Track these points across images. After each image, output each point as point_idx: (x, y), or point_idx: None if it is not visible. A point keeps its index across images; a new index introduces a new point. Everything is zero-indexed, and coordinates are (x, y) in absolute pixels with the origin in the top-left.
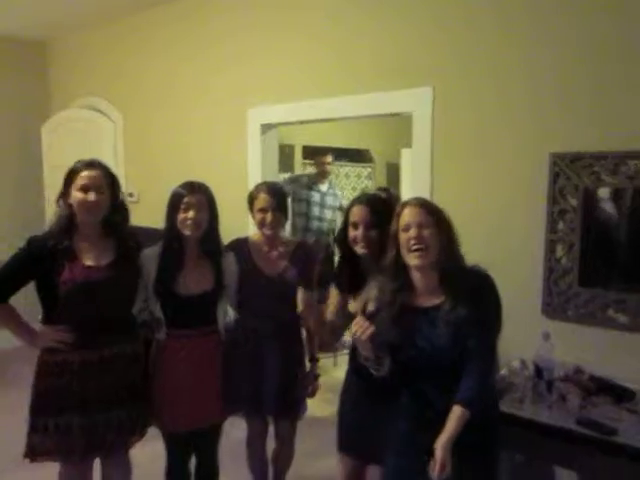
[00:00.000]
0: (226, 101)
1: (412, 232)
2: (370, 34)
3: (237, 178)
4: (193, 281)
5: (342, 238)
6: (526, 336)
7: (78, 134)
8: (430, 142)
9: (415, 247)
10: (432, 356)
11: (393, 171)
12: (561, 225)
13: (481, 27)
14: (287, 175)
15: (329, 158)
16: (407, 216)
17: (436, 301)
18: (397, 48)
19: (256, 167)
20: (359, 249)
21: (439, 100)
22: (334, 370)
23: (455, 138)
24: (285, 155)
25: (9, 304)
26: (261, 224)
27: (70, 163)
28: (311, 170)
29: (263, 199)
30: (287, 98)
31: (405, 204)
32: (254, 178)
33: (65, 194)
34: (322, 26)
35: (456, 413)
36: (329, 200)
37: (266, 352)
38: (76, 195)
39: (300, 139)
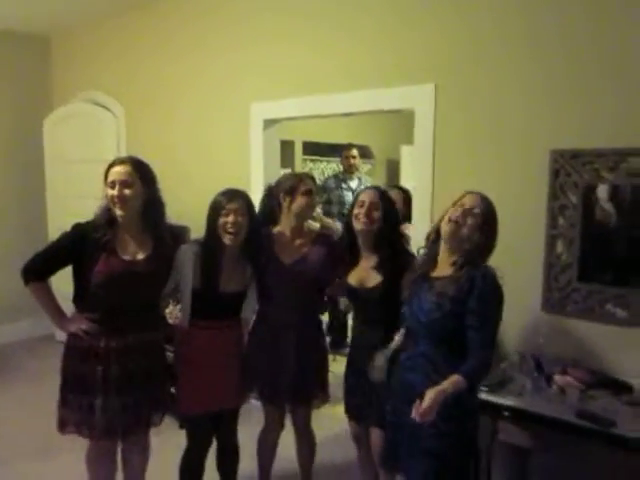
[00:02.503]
0: (229, 96)
1: (459, 211)
2: (372, 31)
3: (239, 173)
4: (230, 280)
5: (347, 218)
6: (526, 330)
7: (80, 128)
8: (432, 139)
9: (455, 218)
10: (416, 315)
11: (393, 167)
12: (561, 221)
13: (483, 25)
14: (288, 171)
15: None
16: (467, 198)
17: (442, 274)
18: (399, 45)
19: (258, 162)
20: (358, 224)
21: (441, 97)
22: (334, 366)
23: (457, 135)
24: (286, 151)
25: (47, 284)
26: (308, 206)
27: (72, 156)
28: (311, 166)
29: (309, 183)
30: (289, 93)
31: (471, 192)
32: (256, 173)
33: (105, 190)
34: (325, 23)
35: (454, 377)
36: None
37: (284, 340)
38: (106, 190)
39: (300, 135)
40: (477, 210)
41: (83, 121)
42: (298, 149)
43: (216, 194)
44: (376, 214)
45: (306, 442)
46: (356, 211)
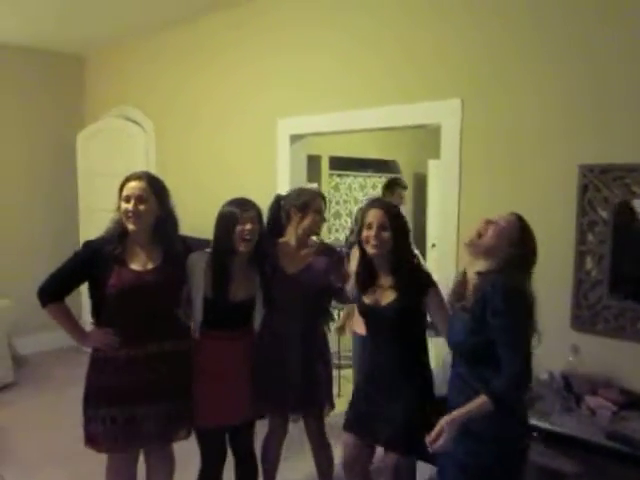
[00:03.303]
0: (256, 112)
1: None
2: (398, 47)
3: (266, 188)
4: (240, 289)
5: (358, 240)
6: (555, 349)
7: (112, 143)
8: (459, 153)
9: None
10: (450, 338)
11: (420, 181)
12: (590, 237)
13: (506, 40)
14: (315, 185)
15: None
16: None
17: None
18: (425, 61)
19: (285, 177)
20: (370, 248)
21: (468, 112)
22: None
23: (484, 150)
24: (312, 166)
25: (64, 303)
26: (317, 224)
27: (103, 170)
28: (338, 181)
29: (321, 202)
30: (316, 109)
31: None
32: (283, 188)
33: (119, 204)
34: (351, 40)
35: (479, 400)
36: None
37: (291, 350)
38: (121, 204)
39: (327, 150)
40: (501, 221)
41: (114, 136)
42: (325, 164)
43: (225, 204)
44: (385, 235)
45: (323, 453)
46: (365, 234)
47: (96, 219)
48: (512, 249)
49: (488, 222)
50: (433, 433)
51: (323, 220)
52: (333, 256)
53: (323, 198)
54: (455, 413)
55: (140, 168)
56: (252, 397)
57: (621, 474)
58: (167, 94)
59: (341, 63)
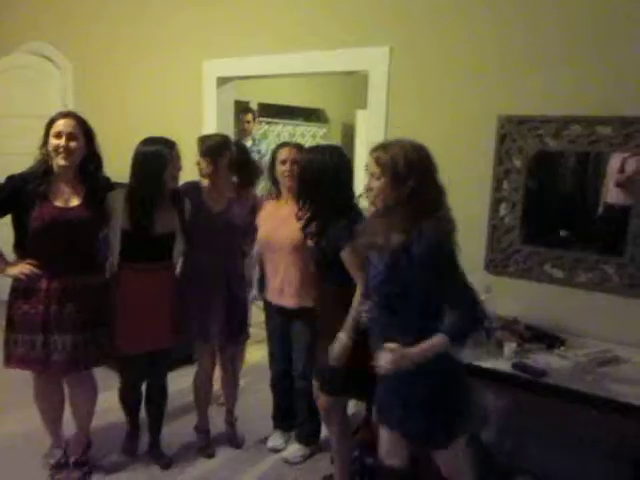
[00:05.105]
0: (182, 52)
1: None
2: None
3: (192, 132)
4: (160, 223)
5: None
6: None
7: (23, 81)
8: (385, 102)
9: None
10: (374, 277)
11: (349, 132)
12: (506, 185)
13: None
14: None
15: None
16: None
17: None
18: (355, 6)
19: (211, 121)
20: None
21: (396, 60)
22: None
23: (410, 98)
24: (240, 111)
25: None
26: (203, 170)
27: (13, 110)
28: (267, 128)
29: (202, 147)
30: (243, 52)
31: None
32: (209, 132)
33: (45, 142)
34: None
35: (433, 340)
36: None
37: (213, 284)
38: (51, 141)
39: (256, 96)
40: (373, 169)
41: (26, 74)
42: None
43: (146, 143)
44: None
45: (230, 371)
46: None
47: (3, 162)
48: (403, 190)
49: (367, 174)
50: (386, 360)
51: (200, 170)
52: (250, 200)
53: (204, 147)
54: (411, 350)
55: (55, 109)
56: (168, 327)
57: (523, 398)
58: (86, 32)
59: (270, 4)
